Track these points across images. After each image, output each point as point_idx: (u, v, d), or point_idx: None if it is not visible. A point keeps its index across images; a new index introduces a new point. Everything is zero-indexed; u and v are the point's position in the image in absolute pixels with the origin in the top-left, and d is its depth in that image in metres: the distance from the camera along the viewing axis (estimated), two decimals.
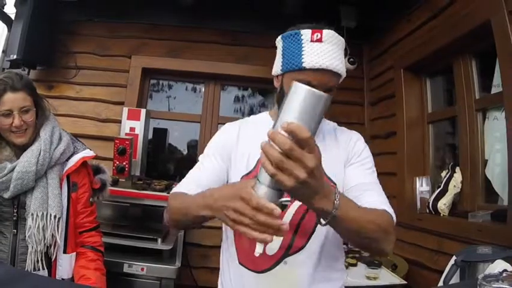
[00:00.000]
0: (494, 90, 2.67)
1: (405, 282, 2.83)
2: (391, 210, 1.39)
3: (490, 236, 2.34)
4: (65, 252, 1.99)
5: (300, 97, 0.90)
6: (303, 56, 1.39)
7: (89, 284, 1.95)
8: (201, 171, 1.56)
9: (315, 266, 1.46)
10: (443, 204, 2.90)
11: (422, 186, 3.28)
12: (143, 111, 3.35)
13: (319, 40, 1.39)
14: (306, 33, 1.41)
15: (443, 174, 3.06)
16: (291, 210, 1.44)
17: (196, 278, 3.70)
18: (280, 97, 1.50)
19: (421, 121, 3.49)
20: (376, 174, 1.56)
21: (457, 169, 2.94)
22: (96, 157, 2.39)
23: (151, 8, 4.00)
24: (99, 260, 2.13)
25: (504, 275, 1.07)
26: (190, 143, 4.46)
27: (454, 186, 2.89)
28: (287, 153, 0.89)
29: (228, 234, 1.57)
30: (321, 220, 1.13)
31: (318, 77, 1.39)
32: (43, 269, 1.88)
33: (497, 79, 2.58)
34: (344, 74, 1.46)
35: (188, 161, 4.27)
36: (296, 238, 1.44)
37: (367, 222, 1.21)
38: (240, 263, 1.50)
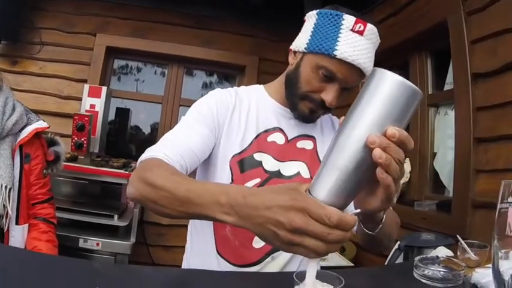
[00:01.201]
0: (446, 88, 2.72)
1: (352, 264, 2.86)
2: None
3: (434, 224, 2.40)
4: (17, 223, 1.94)
5: (402, 97, 0.68)
6: (337, 43, 1.18)
7: None
8: (189, 134, 1.24)
9: (303, 262, 1.31)
10: None
11: None
12: (104, 88, 3.27)
13: (361, 32, 1.19)
14: (348, 20, 1.20)
15: None
16: None
17: (152, 256, 3.65)
18: (294, 75, 1.30)
19: None
20: None
21: (407, 160, 2.98)
22: (56, 134, 2.31)
23: None
24: (51, 231, 2.08)
25: (441, 259, 1.07)
26: (154, 126, 4.39)
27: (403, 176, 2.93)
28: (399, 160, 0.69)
29: (203, 223, 1.33)
30: (371, 229, 0.97)
31: (345, 72, 1.21)
32: None
33: (450, 77, 2.62)
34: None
35: (149, 142, 4.17)
36: None
37: (394, 223, 1.14)
38: (218, 253, 1.30)
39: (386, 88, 0.67)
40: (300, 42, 1.29)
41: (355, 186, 0.70)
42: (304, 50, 1.26)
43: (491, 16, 2.15)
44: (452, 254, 1.49)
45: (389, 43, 3.10)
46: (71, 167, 2.83)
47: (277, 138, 1.36)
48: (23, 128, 1.98)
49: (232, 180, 1.28)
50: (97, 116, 3.17)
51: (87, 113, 3.03)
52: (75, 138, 2.94)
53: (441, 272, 1.00)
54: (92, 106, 3.19)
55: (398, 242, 2.19)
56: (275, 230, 0.70)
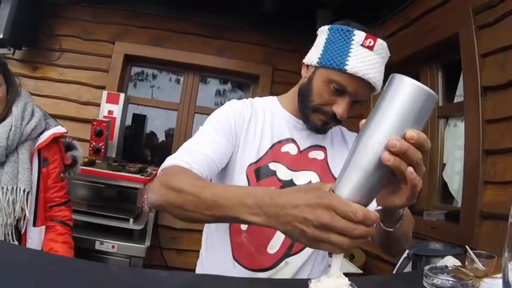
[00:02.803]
0: (456, 100, 2.72)
1: (361, 271, 2.86)
2: None
3: (443, 234, 2.39)
4: (34, 225, 1.97)
5: (419, 100, 0.70)
6: (348, 58, 1.21)
7: None
8: (208, 143, 1.25)
9: (315, 267, 1.38)
10: None
11: None
12: (122, 95, 3.32)
13: (371, 47, 1.22)
14: (359, 35, 1.22)
15: None
16: None
17: (166, 259, 3.68)
18: (307, 88, 1.32)
19: None
20: None
21: None
22: (75, 139, 2.35)
23: None
24: (68, 234, 2.11)
25: (450, 268, 1.08)
26: (169, 131, 4.43)
27: None
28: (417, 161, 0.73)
29: (219, 229, 1.36)
30: (390, 226, 0.98)
31: (355, 86, 1.23)
32: (13, 241, 1.84)
33: (460, 89, 2.62)
34: (378, 91, 1.26)
35: (164, 148, 4.28)
36: None
37: (411, 222, 1.14)
38: (234, 258, 1.33)
39: (405, 92, 0.71)
40: (313, 57, 1.31)
41: (377, 185, 0.74)
42: (317, 65, 1.29)
43: (501, 30, 2.15)
44: (460, 264, 1.49)
45: (400, 55, 3.12)
46: (89, 171, 2.88)
47: (290, 148, 1.39)
48: (41, 133, 2.01)
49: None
50: (115, 122, 3.21)
51: (105, 119, 3.08)
52: (93, 143, 2.98)
53: (450, 282, 1.01)
54: (110, 112, 3.23)
55: (407, 251, 2.20)
56: (302, 228, 0.73)
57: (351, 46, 1.22)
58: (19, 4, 3.33)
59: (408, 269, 2.16)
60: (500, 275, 0.84)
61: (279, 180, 1.34)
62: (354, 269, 2.85)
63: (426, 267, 1.06)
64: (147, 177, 2.99)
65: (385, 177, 0.74)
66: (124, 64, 3.99)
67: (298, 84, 1.41)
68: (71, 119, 3.70)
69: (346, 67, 1.21)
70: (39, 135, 2.01)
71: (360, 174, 0.72)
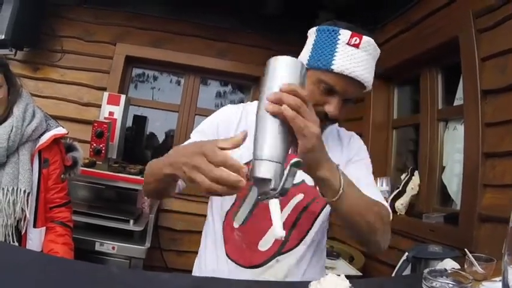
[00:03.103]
0: (456, 103, 2.72)
1: (361, 274, 2.86)
2: (388, 207, 1.31)
3: (442, 237, 2.39)
4: (35, 226, 1.97)
5: (285, 66, 0.92)
6: (334, 58, 1.23)
7: None
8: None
9: (310, 268, 1.40)
10: (401, 204, 2.95)
11: (382, 186, 3.32)
12: (123, 97, 3.32)
13: (357, 45, 1.23)
14: (344, 34, 1.24)
15: (402, 176, 3.09)
16: (286, 209, 1.34)
17: (166, 260, 3.68)
18: None
19: (386, 126, 3.53)
20: (372, 177, 1.45)
21: (416, 173, 2.99)
22: (76, 139, 2.35)
23: None
24: (68, 235, 2.11)
25: (449, 271, 1.08)
26: (169, 133, 4.44)
27: (412, 188, 2.94)
28: (297, 109, 0.89)
29: (215, 226, 1.43)
30: (329, 197, 1.06)
31: (343, 84, 1.25)
32: (13, 242, 1.84)
33: (460, 93, 2.62)
34: (370, 88, 1.31)
35: (165, 149, 4.21)
36: (291, 236, 1.35)
37: (369, 207, 1.16)
38: (227, 256, 1.37)
39: (279, 63, 0.93)
40: (302, 59, 1.32)
41: (277, 137, 0.89)
42: (306, 66, 1.25)
43: (501, 34, 2.15)
44: (458, 267, 1.50)
45: (401, 58, 3.13)
46: (89, 172, 2.88)
47: None
48: (42, 134, 2.01)
49: None
50: (115, 123, 3.21)
51: (106, 120, 3.08)
52: (94, 145, 2.98)
53: (449, 285, 1.01)
54: (111, 113, 3.23)
55: (406, 253, 2.20)
56: (184, 169, 0.91)
57: (337, 45, 1.24)
58: (21, 5, 3.33)
59: (407, 271, 2.16)
60: (499, 278, 0.84)
61: None
62: (353, 271, 2.85)
63: (425, 270, 1.07)
64: None
65: (280, 128, 0.89)
66: (125, 65, 3.99)
67: None
68: (72, 120, 3.70)
69: (332, 66, 1.23)
70: (40, 136, 2.00)
71: (261, 132, 0.89)
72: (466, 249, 1.39)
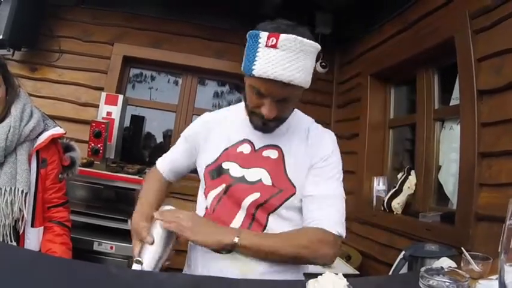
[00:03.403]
0: (452, 103, 2.73)
1: (358, 272, 2.87)
2: (333, 227, 1.36)
3: (438, 236, 2.39)
4: (32, 226, 1.95)
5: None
6: (254, 63, 1.26)
7: None
8: (177, 153, 1.70)
9: None
10: (397, 204, 2.96)
11: (379, 185, 3.34)
12: (120, 97, 3.32)
13: (274, 46, 1.23)
14: (263, 36, 1.25)
15: (399, 175, 3.10)
16: (243, 206, 1.43)
17: None
18: (244, 95, 1.46)
19: (382, 125, 3.54)
20: (339, 180, 1.48)
21: (412, 172, 2.99)
22: (73, 139, 2.34)
23: None
24: (66, 234, 2.09)
25: (446, 270, 1.09)
26: (166, 133, 4.43)
27: (408, 187, 2.95)
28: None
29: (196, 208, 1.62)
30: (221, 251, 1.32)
31: (268, 87, 1.28)
32: (11, 242, 1.83)
33: (456, 93, 2.63)
34: (303, 84, 1.30)
35: (162, 149, 4.23)
36: (252, 228, 1.41)
37: (282, 246, 1.34)
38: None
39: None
40: (242, 66, 1.37)
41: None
42: (243, 72, 1.36)
43: (497, 35, 2.16)
44: (455, 265, 1.50)
45: (397, 58, 3.14)
46: (87, 172, 2.87)
47: (245, 148, 1.51)
48: (40, 134, 2.00)
49: (205, 186, 1.52)
50: (113, 123, 3.21)
51: (103, 120, 3.08)
52: (92, 144, 2.98)
53: (446, 283, 1.01)
54: (109, 113, 3.23)
55: (403, 252, 2.20)
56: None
57: (258, 49, 1.26)
58: (19, 5, 3.33)
59: (404, 270, 2.16)
60: (495, 277, 0.85)
61: (231, 177, 1.46)
62: (350, 270, 2.85)
63: (422, 269, 1.07)
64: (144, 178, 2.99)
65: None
66: (123, 66, 3.99)
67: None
68: (70, 120, 3.69)
69: (253, 72, 1.26)
70: (37, 136, 2.00)
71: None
72: (462, 248, 1.39)
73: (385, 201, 3.07)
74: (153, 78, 4.42)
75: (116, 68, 3.92)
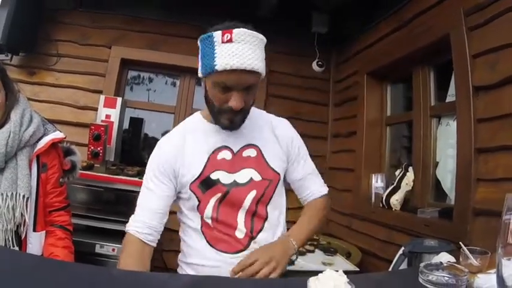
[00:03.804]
0: (448, 100, 2.74)
1: (358, 269, 2.88)
2: (325, 189, 1.80)
3: (436, 231, 2.40)
4: (34, 230, 1.95)
5: None
6: (215, 59, 1.37)
7: None
8: (151, 197, 1.55)
9: (275, 236, 1.61)
10: (396, 200, 2.96)
11: (377, 182, 3.35)
12: (119, 99, 3.31)
13: (230, 40, 1.36)
14: (217, 35, 1.38)
15: (397, 172, 3.11)
16: (244, 206, 1.54)
17: (165, 260, 3.67)
18: (207, 97, 1.53)
19: (379, 123, 3.55)
20: (308, 155, 1.78)
21: (410, 169, 3.00)
22: (73, 143, 2.34)
23: (132, 0, 3.93)
24: (68, 238, 2.09)
25: (444, 264, 1.10)
26: (165, 134, 4.41)
27: (406, 184, 2.96)
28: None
29: (191, 225, 1.60)
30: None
31: (232, 78, 1.38)
32: (13, 246, 1.84)
33: (452, 89, 2.63)
34: (263, 71, 1.45)
35: None
36: (255, 223, 1.56)
37: (318, 225, 1.74)
38: (213, 247, 1.54)
39: None
40: (199, 70, 1.48)
41: None
42: (202, 75, 1.48)
43: (492, 31, 2.17)
44: (454, 260, 1.51)
45: (393, 56, 3.15)
46: (88, 175, 2.87)
47: (225, 154, 1.58)
48: (40, 139, 2.00)
49: (199, 201, 1.53)
50: (112, 126, 3.20)
51: (103, 123, 3.07)
52: (92, 148, 2.97)
53: (445, 278, 1.02)
54: (108, 116, 3.22)
55: (403, 248, 2.21)
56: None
57: (215, 47, 1.38)
58: (17, 10, 3.33)
59: (404, 265, 2.17)
60: (494, 271, 0.85)
61: (224, 185, 1.54)
62: (350, 266, 2.86)
63: (422, 264, 1.08)
64: None
65: None
66: (120, 68, 3.99)
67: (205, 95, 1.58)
68: (69, 124, 3.69)
69: (216, 67, 1.36)
70: (37, 141, 2.00)
71: None
72: (460, 243, 1.40)
73: (384, 198, 3.08)
74: (151, 80, 4.42)
75: (113, 70, 3.92)
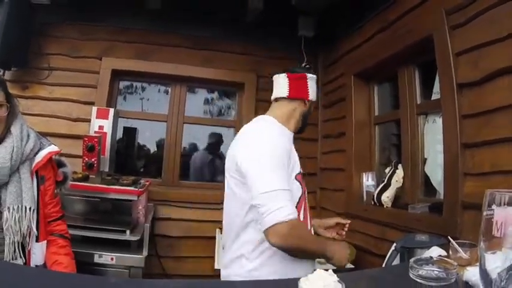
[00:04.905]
0: (434, 97, 2.77)
1: (353, 266, 2.90)
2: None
3: (427, 226, 2.43)
4: (37, 240, 1.97)
5: None
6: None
7: (62, 268, 2.02)
8: (286, 179, 1.75)
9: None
10: (387, 197, 2.99)
11: (368, 180, 3.38)
12: (111, 110, 3.30)
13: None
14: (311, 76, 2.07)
15: (387, 170, 3.14)
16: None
17: (164, 267, 3.68)
18: (308, 114, 2.07)
19: (368, 123, 3.58)
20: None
21: (399, 166, 3.03)
22: (67, 155, 2.35)
23: (120, 11, 3.92)
24: (68, 246, 2.15)
25: (434, 259, 1.11)
26: (159, 142, 4.43)
27: (396, 181, 2.99)
28: None
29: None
30: None
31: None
32: (20, 257, 1.85)
33: (436, 87, 2.67)
34: None
35: (155, 158, 4.27)
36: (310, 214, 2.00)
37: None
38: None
39: None
40: (312, 95, 2.05)
41: None
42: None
43: (473, 30, 2.20)
44: (445, 253, 1.53)
45: (379, 57, 3.18)
46: (83, 186, 2.86)
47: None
48: (36, 152, 2.03)
49: (302, 187, 1.90)
50: (105, 137, 3.19)
51: (96, 134, 3.07)
52: (86, 159, 2.96)
53: (435, 272, 1.03)
54: (101, 127, 3.21)
55: (395, 244, 2.23)
56: None
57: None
58: (7, 25, 3.31)
59: (397, 260, 2.19)
60: None
61: (303, 174, 1.97)
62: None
63: (412, 260, 1.09)
64: (140, 189, 2.99)
65: None
66: (112, 79, 3.97)
67: (300, 111, 2.02)
68: (63, 136, 3.66)
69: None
70: (35, 155, 2.01)
71: None
72: (449, 237, 1.42)
73: (375, 196, 3.11)
74: (143, 89, 4.42)
75: (105, 82, 3.90)
